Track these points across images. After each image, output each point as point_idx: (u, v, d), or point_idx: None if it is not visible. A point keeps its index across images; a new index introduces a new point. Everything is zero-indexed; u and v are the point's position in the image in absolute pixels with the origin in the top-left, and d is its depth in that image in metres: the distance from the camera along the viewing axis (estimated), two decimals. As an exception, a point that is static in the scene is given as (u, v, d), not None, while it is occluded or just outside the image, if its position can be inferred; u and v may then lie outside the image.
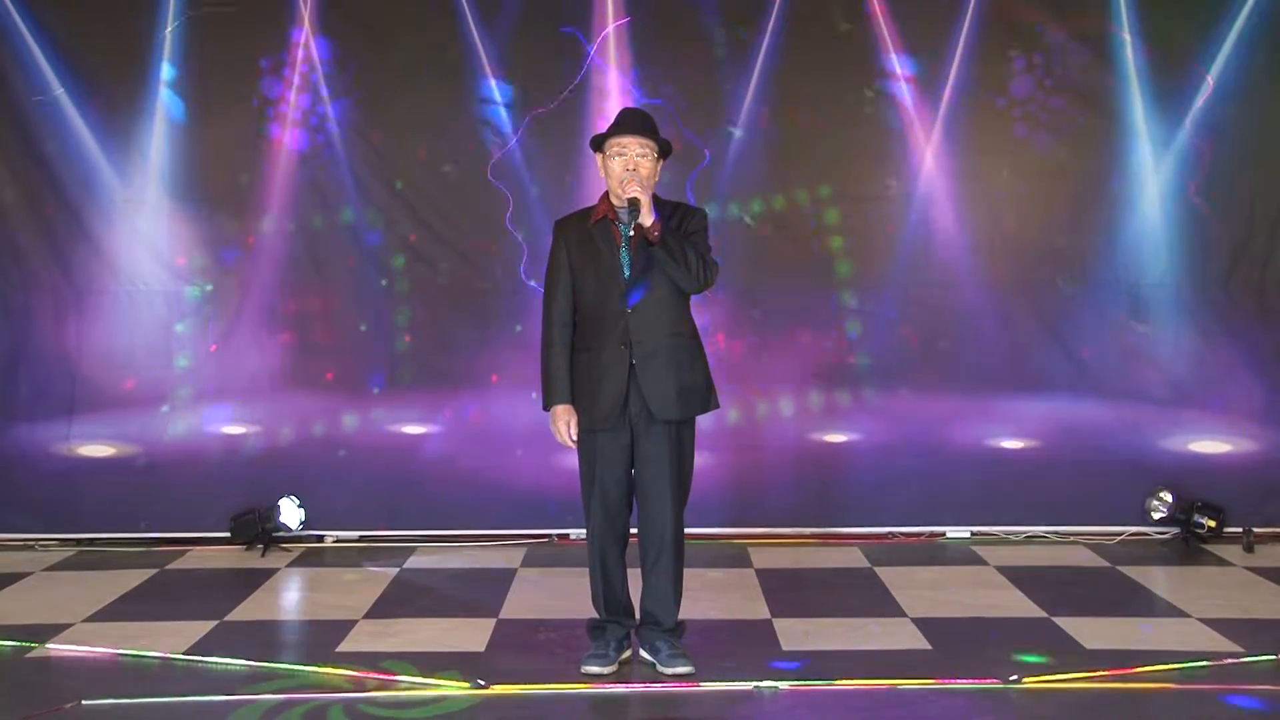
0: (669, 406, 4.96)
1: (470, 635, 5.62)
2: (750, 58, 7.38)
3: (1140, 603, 6.23)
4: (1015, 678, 4.86)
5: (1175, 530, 7.28)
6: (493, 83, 7.38)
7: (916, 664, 5.12)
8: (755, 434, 7.47)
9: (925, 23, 7.38)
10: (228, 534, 7.31)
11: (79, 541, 7.44)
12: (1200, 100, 7.29)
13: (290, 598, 6.54)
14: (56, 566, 7.02)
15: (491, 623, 5.82)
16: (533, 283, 7.31)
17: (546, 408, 5.10)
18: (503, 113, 7.40)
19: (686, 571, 5.14)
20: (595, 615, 5.17)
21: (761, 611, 5.96)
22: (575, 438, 5.04)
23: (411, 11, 7.42)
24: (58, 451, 7.44)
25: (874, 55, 7.37)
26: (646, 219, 4.86)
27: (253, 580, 6.65)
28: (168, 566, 6.98)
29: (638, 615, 5.15)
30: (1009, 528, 7.43)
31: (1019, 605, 6.05)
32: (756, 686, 4.84)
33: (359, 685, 4.95)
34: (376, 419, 7.48)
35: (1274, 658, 5.13)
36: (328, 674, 5.07)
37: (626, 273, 4.97)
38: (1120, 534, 7.37)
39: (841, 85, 7.42)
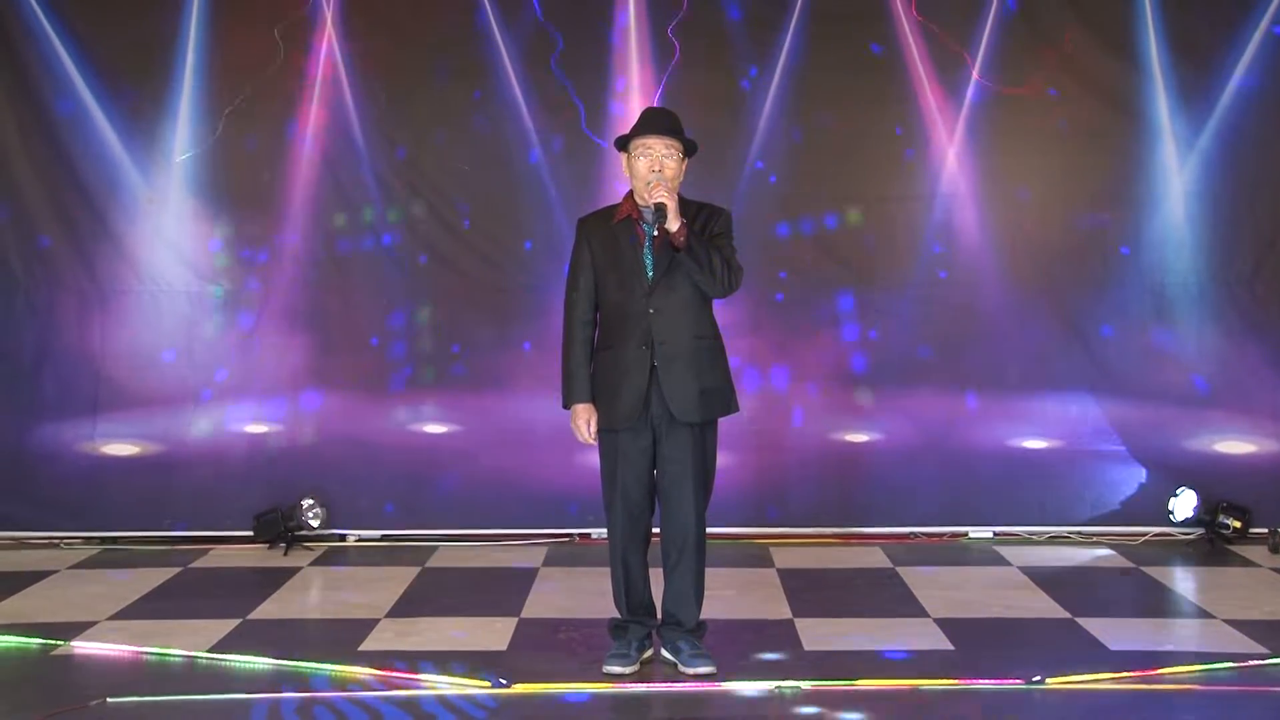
0: (690, 409, 4.95)
1: (492, 634, 5.62)
2: (772, 59, 7.37)
3: (1165, 604, 6.21)
4: (1038, 679, 4.84)
5: (1200, 531, 7.24)
6: (514, 83, 7.39)
7: (939, 664, 5.11)
8: (776, 434, 7.46)
9: (949, 23, 7.36)
10: (250, 533, 7.34)
11: (103, 540, 7.48)
12: (1223, 100, 7.27)
13: (313, 596, 6.55)
14: (81, 564, 7.05)
15: (513, 622, 5.82)
16: (553, 283, 7.31)
17: (566, 406, 5.10)
18: (525, 114, 7.41)
19: (708, 571, 5.13)
20: (617, 615, 5.17)
21: (783, 611, 5.95)
22: (595, 436, 5.04)
23: (433, 10, 7.44)
24: (82, 450, 7.47)
25: (897, 57, 7.36)
26: (673, 224, 4.83)
27: (275, 579, 6.67)
28: (191, 565, 7.01)
29: (659, 615, 5.15)
30: (1032, 528, 7.41)
31: (1042, 606, 6.02)
32: (778, 686, 4.83)
33: (381, 684, 4.97)
34: (398, 418, 7.50)
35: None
36: (350, 673, 5.08)
37: (650, 274, 4.96)
38: (1144, 534, 7.33)
39: (864, 86, 7.39)
